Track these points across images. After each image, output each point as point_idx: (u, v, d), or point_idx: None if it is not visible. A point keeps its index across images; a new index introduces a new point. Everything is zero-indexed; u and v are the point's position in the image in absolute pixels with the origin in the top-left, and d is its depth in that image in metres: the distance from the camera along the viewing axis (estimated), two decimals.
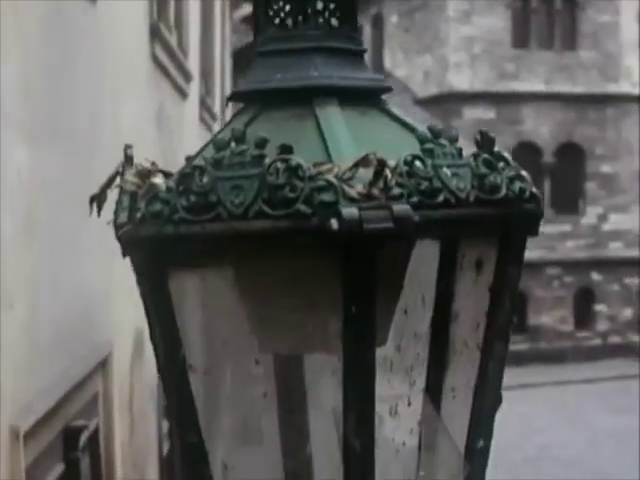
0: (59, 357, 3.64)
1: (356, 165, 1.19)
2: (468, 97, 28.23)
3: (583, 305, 28.77)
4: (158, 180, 1.25)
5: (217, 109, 13.93)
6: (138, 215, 1.25)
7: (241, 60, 28.32)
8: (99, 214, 1.33)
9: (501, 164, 1.32)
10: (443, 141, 1.28)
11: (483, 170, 1.29)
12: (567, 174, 28.33)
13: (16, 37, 3.15)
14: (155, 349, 1.41)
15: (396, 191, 1.19)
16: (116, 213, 1.32)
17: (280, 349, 1.32)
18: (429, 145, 1.26)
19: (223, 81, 16.46)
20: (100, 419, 4.46)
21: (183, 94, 8.85)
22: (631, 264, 29.09)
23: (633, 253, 29.20)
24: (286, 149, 1.20)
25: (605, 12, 28.81)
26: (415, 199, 1.20)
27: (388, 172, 1.19)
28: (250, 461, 1.38)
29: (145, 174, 1.27)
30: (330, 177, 1.18)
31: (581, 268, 28.45)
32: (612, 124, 28.62)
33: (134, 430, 5.45)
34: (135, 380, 5.56)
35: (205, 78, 11.83)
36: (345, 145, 1.26)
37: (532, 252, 30.88)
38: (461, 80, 28.24)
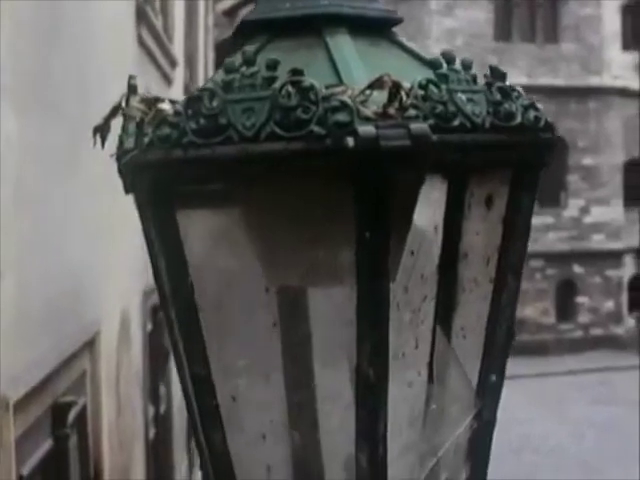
0: (48, 331, 3.60)
1: (370, 87, 1.16)
2: None
3: (565, 297, 28.85)
4: (166, 105, 1.22)
5: None
6: (145, 140, 1.22)
7: (223, 54, 28.30)
8: (103, 145, 1.30)
9: (515, 93, 1.30)
10: (457, 67, 1.26)
11: (498, 97, 1.27)
12: (549, 166, 28.36)
13: (7, 14, 3.12)
14: (160, 286, 1.37)
15: (412, 112, 1.16)
16: (121, 141, 1.28)
17: (291, 279, 1.29)
18: (443, 70, 1.23)
19: (206, 71, 16.41)
20: (88, 398, 4.42)
21: (168, 80, 8.82)
22: (613, 256, 29.21)
23: (615, 245, 29.32)
24: (297, 72, 1.17)
25: (587, 5, 28.86)
26: (430, 122, 1.17)
27: (403, 94, 1.16)
28: (258, 394, 1.35)
29: (151, 101, 1.24)
30: (344, 97, 1.15)
31: (563, 260, 28.52)
32: (594, 117, 28.69)
33: (121, 412, 5.41)
34: (122, 362, 5.53)
35: (189, 66, 11.79)
36: (357, 71, 1.23)
37: None
38: None
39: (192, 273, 1.25)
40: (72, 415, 3.91)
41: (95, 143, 1.29)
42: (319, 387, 1.33)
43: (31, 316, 3.33)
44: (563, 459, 17.02)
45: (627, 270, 30.28)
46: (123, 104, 1.27)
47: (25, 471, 3.21)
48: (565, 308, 29.01)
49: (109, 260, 5.20)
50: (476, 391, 1.36)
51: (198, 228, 1.32)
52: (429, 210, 1.45)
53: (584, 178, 28.82)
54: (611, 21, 29.08)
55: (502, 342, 1.35)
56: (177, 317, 1.27)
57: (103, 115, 4.33)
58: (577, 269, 29.17)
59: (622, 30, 29.53)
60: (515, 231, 1.32)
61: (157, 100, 1.23)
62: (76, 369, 4.19)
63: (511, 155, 1.29)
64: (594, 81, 28.89)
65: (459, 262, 1.42)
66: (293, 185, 1.20)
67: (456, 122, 1.19)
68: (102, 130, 1.31)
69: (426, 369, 1.42)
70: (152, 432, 7.09)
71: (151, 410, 7.12)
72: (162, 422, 7.87)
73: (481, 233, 1.39)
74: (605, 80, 28.35)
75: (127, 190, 1.36)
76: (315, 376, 1.33)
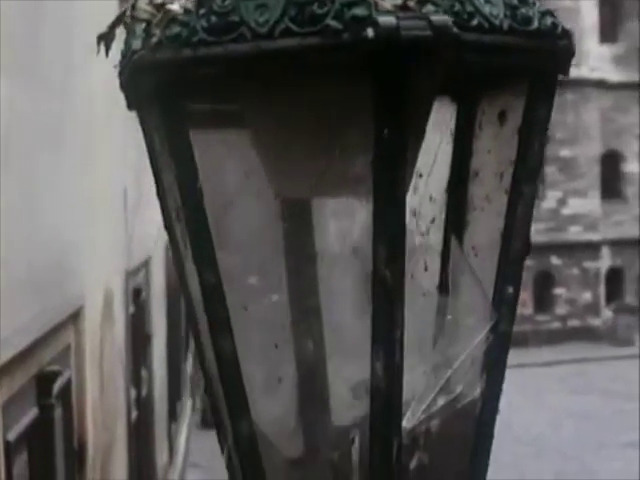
0: (33, 300, 3.57)
1: None
2: None
3: (543, 289, 28.94)
4: (175, 6, 1.18)
5: None
6: (153, 40, 1.18)
7: None
8: (107, 54, 1.26)
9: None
10: None
11: (515, 1, 1.24)
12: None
13: None
14: (164, 203, 1.34)
15: (431, 7, 1.13)
16: (126, 44, 1.23)
17: (304, 186, 1.25)
18: None
19: None
20: (72, 372, 4.39)
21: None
22: (590, 248, 29.34)
23: (592, 237, 29.46)
24: None
25: None
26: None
27: None
28: (269, 303, 1.31)
29: (160, 4, 1.20)
30: None
31: (541, 252, 28.56)
32: (572, 108, 28.76)
33: (104, 389, 5.37)
34: (105, 340, 5.49)
35: None
36: None
37: None
38: None
39: (202, 179, 1.21)
40: (57, 386, 3.88)
41: (99, 52, 1.25)
42: (332, 294, 1.30)
43: (17, 282, 3.30)
44: (542, 447, 17.08)
45: (604, 262, 30.43)
46: (129, 11, 1.23)
47: (11, 437, 3.18)
48: (543, 299, 29.10)
49: (92, 237, 5.16)
50: (492, 303, 1.34)
51: (208, 131, 1.28)
52: (438, 132, 1.43)
53: (561, 170, 28.91)
54: (589, 13, 29.17)
55: (518, 253, 1.33)
56: (187, 226, 1.23)
57: (88, 89, 4.34)
58: (555, 261, 29.27)
59: (600, 22, 29.64)
60: (531, 141, 1.29)
61: (165, 3, 1.19)
62: (61, 341, 4.16)
63: (529, 61, 1.26)
64: (572, 73, 28.40)
65: (469, 182, 1.40)
66: (309, 83, 1.16)
67: (474, 22, 1.16)
68: (106, 38, 1.26)
69: (435, 291, 1.40)
70: (134, 414, 7.05)
71: (133, 392, 7.08)
72: (144, 405, 7.83)
73: (493, 150, 1.36)
74: (583, 72, 28.37)
75: (130, 104, 1.32)
76: (327, 284, 1.30)
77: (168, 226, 1.35)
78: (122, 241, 6.49)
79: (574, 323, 28.98)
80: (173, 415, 12.12)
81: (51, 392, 3.71)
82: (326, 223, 1.31)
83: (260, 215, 1.31)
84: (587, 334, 29.20)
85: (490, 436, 1.40)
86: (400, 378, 1.21)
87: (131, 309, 6.99)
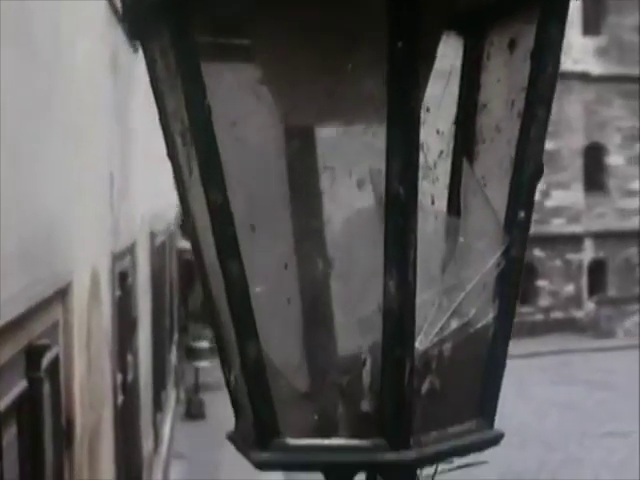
0: (22, 272, 3.53)
1: None
2: None
3: (526, 281, 28.98)
4: None
5: None
6: None
7: None
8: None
9: None
10: None
11: None
12: None
13: None
14: (165, 128, 1.32)
15: None
16: None
17: (313, 105, 1.23)
18: None
19: None
20: (60, 348, 4.35)
21: (135, 47, 8.72)
22: (573, 240, 29.44)
23: (575, 229, 29.55)
24: None
25: None
26: None
27: None
28: (277, 223, 1.29)
29: None
30: None
31: None
32: (555, 101, 28.52)
33: (91, 370, 5.34)
34: (92, 321, 5.45)
35: None
36: None
37: None
38: None
39: (209, 97, 1.19)
40: (46, 360, 3.84)
41: None
42: (343, 214, 1.28)
43: (5, 255, 3.26)
44: (526, 437, 17.12)
45: (587, 254, 30.55)
46: None
47: (0, 407, 3.15)
48: (526, 291, 29.16)
49: (79, 216, 5.13)
50: (503, 228, 1.33)
51: (215, 49, 1.25)
52: (445, 66, 1.41)
53: (545, 162, 28.74)
54: (572, 6, 29.14)
55: (531, 177, 1.32)
56: (195, 145, 1.21)
57: (75, 70, 4.29)
58: (537, 253, 29.35)
59: (583, 15, 29.71)
60: (545, 63, 1.27)
61: None
62: (49, 317, 4.13)
63: None
64: None
65: (477, 114, 1.38)
66: None
67: None
68: None
69: (446, 217, 1.38)
70: (120, 399, 7.02)
71: (119, 377, 7.05)
72: (130, 391, 7.80)
73: (503, 79, 1.35)
74: (565, 64, 28.42)
75: (133, 33, 1.29)
76: (338, 204, 1.28)
77: (171, 155, 1.33)
78: (108, 223, 6.46)
79: (557, 315, 29.08)
80: (158, 404, 12.10)
81: (40, 365, 3.68)
82: (335, 143, 1.28)
83: (267, 135, 1.28)
84: (570, 326, 29.31)
85: (502, 363, 1.40)
86: (413, 299, 1.20)
87: (117, 293, 6.95)
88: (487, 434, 1.44)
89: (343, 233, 1.28)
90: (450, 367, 1.32)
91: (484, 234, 1.34)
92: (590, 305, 30.38)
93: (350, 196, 1.25)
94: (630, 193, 31.14)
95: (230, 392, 1.42)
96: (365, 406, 1.28)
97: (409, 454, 1.28)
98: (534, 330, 28.18)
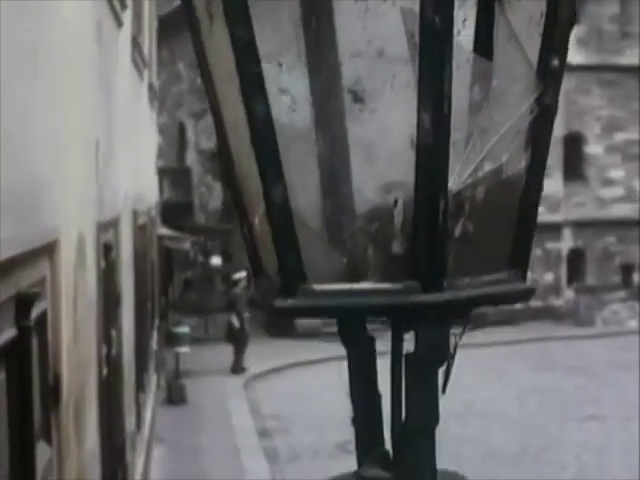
0: (11, 219, 3.49)
1: None
2: None
3: None
4: None
5: (146, 55, 13.73)
6: None
7: (166, 28, 28.07)
8: None
9: None
10: None
11: None
12: None
13: None
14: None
15: None
16: None
17: None
18: None
19: (151, 33, 16.24)
20: (48, 305, 4.32)
21: (118, 21, 8.68)
22: (552, 229, 29.48)
23: (554, 218, 29.60)
24: None
25: None
26: None
27: None
28: (301, 57, 1.25)
29: None
30: None
31: None
32: None
33: (78, 334, 5.31)
34: (78, 286, 5.42)
35: (137, 19, 11.63)
36: None
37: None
38: None
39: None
40: (35, 312, 3.82)
41: None
42: (376, 43, 1.24)
43: None
44: (508, 421, 17.19)
45: (566, 243, 30.65)
46: None
47: None
48: None
49: (65, 177, 5.09)
50: (537, 75, 1.31)
51: None
52: None
53: None
54: None
55: (565, 23, 1.30)
56: None
57: (61, 24, 4.23)
58: None
59: None
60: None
61: None
62: (37, 270, 4.10)
63: None
64: None
65: None
66: None
67: None
68: None
69: (478, 58, 1.34)
70: (104, 370, 6.98)
71: (104, 349, 7.02)
72: (113, 364, 7.76)
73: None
74: None
75: None
76: (372, 33, 1.24)
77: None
78: (94, 191, 6.42)
79: (536, 303, 29.11)
80: (140, 385, 12.06)
81: (29, 314, 3.65)
82: None
83: None
84: (549, 314, 29.40)
85: (534, 215, 1.38)
86: (447, 134, 1.18)
87: (102, 264, 6.91)
88: (519, 286, 1.43)
89: (374, 64, 1.24)
90: (483, 213, 1.29)
91: (517, 79, 1.32)
92: (569, 294, 30.50)
93: (381, 27, 1.22)
94: (609, 182, 31.27)
95: (249, 249, 1.39)
96: (396, 248, 1.25)
97: (442, 296, 1.26)
98: (513, 318, 28.22)
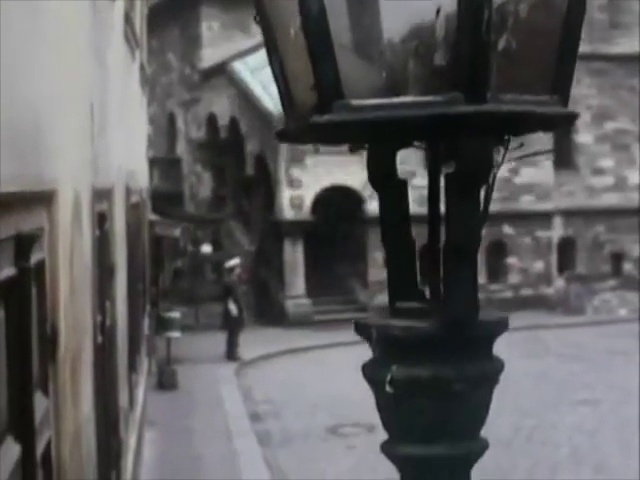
0: (10, 157, 3.43)
1: None
2: None
3: (495, 258, 29.07)
4: None
5: (138, 35, 13.66)
6: None
7: (156, 18, 27.97)
8: None
9: None
10: None
11: None
12: None
13: None
14: None
15: None
16: None
17: None
18: None
19: (142, 16, 16.17)
20: (46, 255, 4.26)
21: None
22: (542, 217, 29.51)
23: (544, 206, 29.63)
24: None
25: None
26: None
27: None
28: None
29: None
30: None
31: (493, 221, 28.69)
32: None
33: (74, 295, 5.25)
34: (75, 248, 5.36)
35: None
36: None
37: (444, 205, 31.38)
38: None
39: None
40: (34, 257, 3.76)
41: None
42: None
43: None
44: (501, 405, 17.14)
45: (556, 231, 30.66)
46: None
47: None
48: (495, 269, 29.24)
49: (64, 131, 5.04)
50: None
51: None
52: None
53: (515, 139, 28.98)
54: None
55: None
56: None
57: None
58: (507, 230, 29.42)
59: None
60: None
61: None
62: (36, 218, 4.04)
63: None
64: None
65: None
66: None
67: None
68: None
69: None
70: (99, 338, 6.92)
71: (98, 318, 6.95)
72: (108, 334, 7.71)
73: None
74: None
75: None
76: None
77: None
78: (89, 154, 6.36)
79: (527, 292, 29.16)
80: (133, 366, 12.00)
81: (29, 256, 3.59)
82: None
83: None
84: (540, 303, 29.41)
85: (576, 38, 1.34)
86: None
87: (96, 232, 6.86)
88: (560, 110, 1.39)
89: None
90: (526, 31, 1.25)
91: None
92: (559, 282, 30.52)
93: None
94: (599, 171, 31.31)
95: (280, 86, 1.33)
96: (439, 60, 1.20)
97: (485, 107, 1.21)
98: (504, 307, 28.21)
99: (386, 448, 1.76)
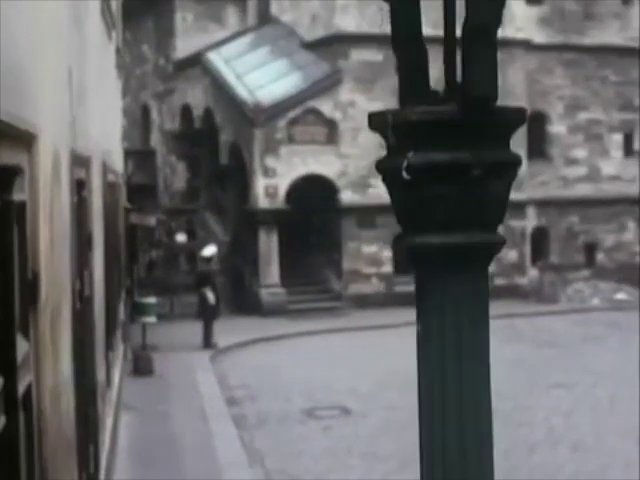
0: None
1: None
2: (355, 39, 28.24)
3: None
4: None
5: (114, 15, 13.62)
6: None
7: (129, 11, 27.89)
8: None
9: None
10: None
11: None
12: None
13: None
14: None
15: None
16: None
17: None
18: None
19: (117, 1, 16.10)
20: (27, 200, 4.24)
21: None
22: (516, 207, 29.59)
23: (519, 196, 29.69)
24: None
25: None
26: None
27: None
28: None
29: None
30: None
31: None
32: (499, 69, 28.91)
33: (54, 251, 5.22)
34: (54, 204, 5.33)
35: None
36: None
37: None
38: (348, 22, 28.20)
39: None
40: (16, 195, 3.74)
41: None
42: None
43: None
44: None
45: (530, 221, 30.80)
46: None
47: None
48: None
49: (43, 84, 5.01)
50: None
51: None
52: None
53: None
54: None
55: None
56: None
57: None
58: None
59: None
60: None
61: None
62: (17, 157, 4.01)
63: None
64: (499, 33, 29.10)
65: None
66: None
67: None
68: None
69: None
70: (78, 304, 6.90)
71: (77, 283, 6.93)
72: (86, 302, 7.69)
73: None
74: (508, 32, 28.53)
75: None
76: None
77: None
78: (68, 116, 6.33)
79: (501, 281, 29.24)
80: (109, 345, 11.96)
81: (11, 189, 3.58)
82: None
83: None
84: (514, 292, 29.53)
85: None
86: None
87: (75, 198, 6.83)
88: None
89: None
90: None
91: None
92: (533, 272, 30.65)
93: None
94: (572, 161, 31.47)
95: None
96: None
97: None
98: None
99: (400, 242, 1.78)
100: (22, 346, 4.03)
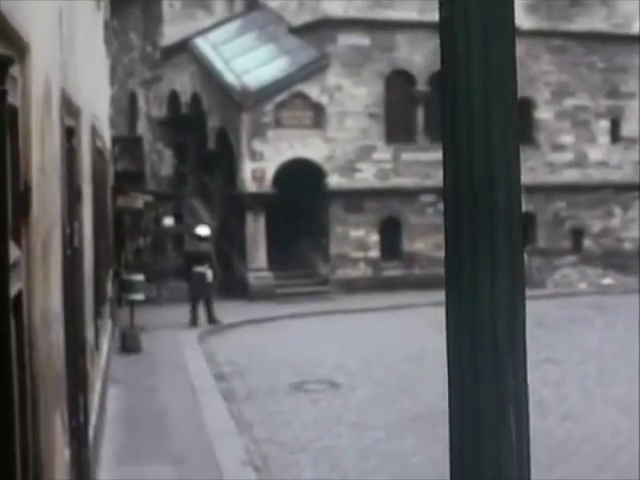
0: None
1: None
2: (342, 23, 28.24)
3: None
4: None
5: None
6: None
7: None
8: None
9: None
10: None
11: None
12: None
13: None
14: None
15: None
16: None
17: None
18: None
19: None
20: (19, 104, 4.23)
21: None
22: None
23: None
24: None
25: None
26: None
27: None
28: None
29: None
30: None
31: None
32: None
33: (43, 183, 5.19)
34: (45, 138, 5.31)
35: None
36: None
37: (406, 179, 30.94)
38: (335, 7, 28.20)
39: None
40: (10, 97, 3.73)
41: None
42: None
43: None
44: None
45: None
46: None
47: None
48: None
49: (35, 13, 4.99)
50: None
51: None
52: None
53: None
54: None
55: None
56: None
57: None
58: None
59: None
60: None
61: None
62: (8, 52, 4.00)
63: None
64: None
65: None
66: None
67: None
68: None
69: None
70: (68, 250, 6.88)
71: (67, 230, 6.91)
72: (75, 254, 7.67)
73: None
74: None
75: None
76: None
77: None
78: (58, 56, 6.31)
79: None
80: (98, 312, 11.95)
81: (4, 79, 3.56)
82: None
83: None
84: None
85: None
86: None
87: (65, 145, 6.81)
88: None
89: None
90: None
91: None
92: None
93: None
94: (559, 147, 31.53)
95: None
96: None
97: None
98: None
99: None
100: (14, 252, 4.02)
